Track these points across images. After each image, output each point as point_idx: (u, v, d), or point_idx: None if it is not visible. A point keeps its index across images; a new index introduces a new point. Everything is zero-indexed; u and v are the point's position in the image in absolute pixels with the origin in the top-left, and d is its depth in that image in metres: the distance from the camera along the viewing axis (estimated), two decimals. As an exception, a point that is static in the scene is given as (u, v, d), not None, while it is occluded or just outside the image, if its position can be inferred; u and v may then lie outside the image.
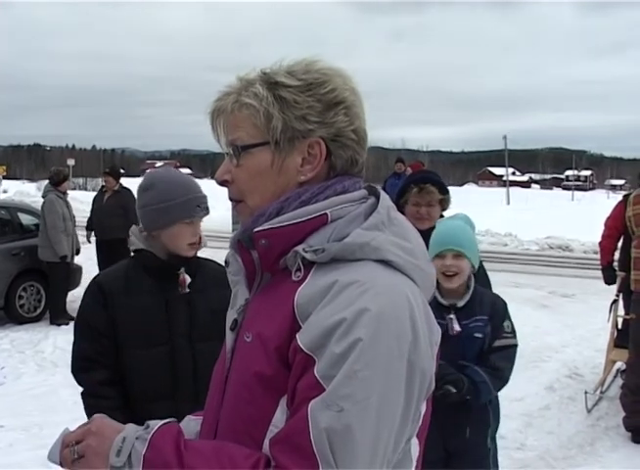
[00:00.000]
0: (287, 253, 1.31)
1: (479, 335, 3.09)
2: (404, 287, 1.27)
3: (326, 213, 1.31)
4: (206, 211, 2.55)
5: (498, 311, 3.11)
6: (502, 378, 3.07)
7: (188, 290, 2.56)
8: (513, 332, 3.11)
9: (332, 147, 1.34)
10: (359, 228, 1.30)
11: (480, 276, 3.33)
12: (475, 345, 3.10)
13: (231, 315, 1.45)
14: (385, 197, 1.40)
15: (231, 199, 1.42)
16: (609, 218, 6.89)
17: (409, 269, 1.30)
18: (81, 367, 2.54)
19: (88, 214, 10.55)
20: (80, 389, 2.56)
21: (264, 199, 1.36)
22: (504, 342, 3.08)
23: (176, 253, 2.53)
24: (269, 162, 1.34)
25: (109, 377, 2.48)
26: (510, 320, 3.13)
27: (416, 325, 1.24)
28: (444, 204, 3.76)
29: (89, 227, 10.32)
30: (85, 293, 2.62)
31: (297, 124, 1.32)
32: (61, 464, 1.36)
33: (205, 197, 2.58)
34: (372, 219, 1.32)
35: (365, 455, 1.15)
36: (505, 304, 3.16)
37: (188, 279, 2.56)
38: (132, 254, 2.64)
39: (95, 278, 2.63)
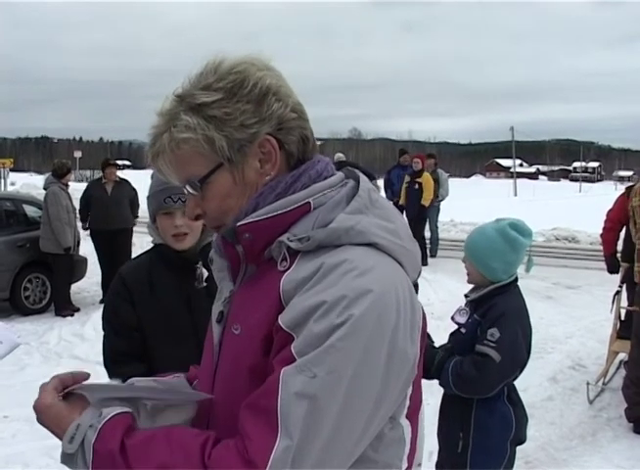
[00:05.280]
0: (271, 244, 1.30)
1: (463, 330, 3.15)
2: (389, 269, 1.27)
3: (309, 202, 1.30)
4: (182, 202, 2.41)
5: (492, 317, 3.03)
6: (468, 383, 3.01)
7: (205, 284, 2.50)
8: (497, 343, 2.96)
9: (281, 137, 1.33)
10: (343, 213, 1.29)
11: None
12: (459, 339, 3.16)
13: (217, 308, 1.46)
14: (364, 179, 1.38)
15: (210, 227, 1.42)
16: (611, 210, 6.85)
17: (395, 251, 1.30)
18: (116, 361, 2.48)
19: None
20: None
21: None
22: (482, 349, 2.98)
23: (168, 244, 2.51)
24: (231, 180, 1.33)
25: (144, 371, 2.37)
26: (501, 331, 2.96)
27: (399, 307, 1.23)
28: None
29: (85, 217, 10.23)
30: (110, 287, 2.58)
31: (240, 134, 1.30)
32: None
33: (177, 187, 2.54)
34: (354, 203, 1.31)
35: (328, 427, 1.14)
36: (505, 314, 3.00)
37: (205, 273, 2.50)
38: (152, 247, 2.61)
39: (120, 273, 2.57)
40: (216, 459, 1.15)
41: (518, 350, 3.00)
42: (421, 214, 13.12)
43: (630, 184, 7.29)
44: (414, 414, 1.36)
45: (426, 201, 13.04)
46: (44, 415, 1.33)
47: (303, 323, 1.18)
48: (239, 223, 1.32)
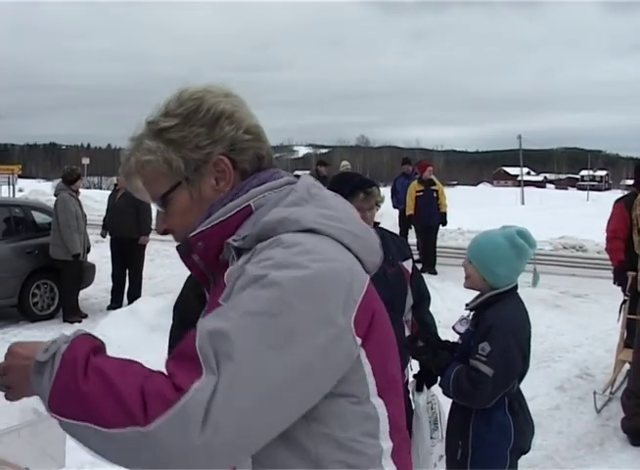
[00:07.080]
0: (223, 249, 1.39)
1: (459, 341, 3.18)
2: (325, 246, 1.31)
3: (249, 204, 1.40)
4: None
5: (482, 330, 3.02)
6: (465, 397, 3.03)
7: None
8: (488, 357, 2.94)
9: (233, 156, 1.45)
10: (277, 207, 1.37)
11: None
12: (458, 349, 3.17)
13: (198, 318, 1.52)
14: (304, 178, 1.48)
15: (179, 241, 1.50)
16: (610, 222, 6.85)
17: (337, 234, 1.35)
18: None
19: (102, 213, 10.73)
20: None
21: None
22: (474, 363, 2.98)
23: None
24: (188, 197, 1.46)
25: None
26: (491, 344, 2.95)
27: (327, 278, 1.27)
28: (380, 203, 3.52)
29: (105, 225, 10.49)
30: (186, 281, 2.72)
31: (195, 155, 1.43)
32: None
33: None
34: (289, 198, 1.40)
35: (247, 365, 1.17)
36: (494, 326, 2.98)
37: None
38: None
39: None
40: (153, 381, 1.19)
41: (511, 361, 2.98)
42: (443, 221, 13.25)
43: (621, 195, 7.38)
44: (389, 392, 1.39)
45: (445, 207, 13.23)
46: (18, 349, 1.35)
47: (232, 291, 1.27)
48: (191, 234, 1.42)
